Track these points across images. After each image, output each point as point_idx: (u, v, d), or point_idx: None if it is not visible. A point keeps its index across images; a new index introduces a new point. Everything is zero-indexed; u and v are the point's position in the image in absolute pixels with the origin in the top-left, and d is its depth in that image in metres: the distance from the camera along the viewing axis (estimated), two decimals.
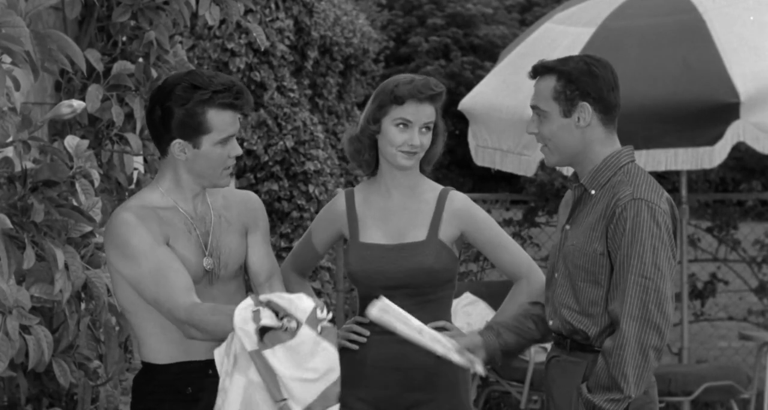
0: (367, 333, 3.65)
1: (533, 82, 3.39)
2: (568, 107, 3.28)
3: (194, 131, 3.22)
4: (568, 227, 3.36)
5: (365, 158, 3.67)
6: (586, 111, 3.28)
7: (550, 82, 3.30)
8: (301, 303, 2.99)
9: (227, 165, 3.29)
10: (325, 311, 2.99)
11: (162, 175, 3.34)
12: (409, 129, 3.58)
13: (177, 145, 3.24)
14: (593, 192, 3.30)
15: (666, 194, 3.29)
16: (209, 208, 3.36)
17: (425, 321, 3.63)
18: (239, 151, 3.29)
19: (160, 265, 3.19)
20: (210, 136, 3.23)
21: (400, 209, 3.66)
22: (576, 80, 3.27)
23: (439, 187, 3.72)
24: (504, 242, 3.70)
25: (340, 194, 3.76)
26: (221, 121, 3.23)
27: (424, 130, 3.60)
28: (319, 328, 3.00)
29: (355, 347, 3.66)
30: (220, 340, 3.11)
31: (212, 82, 3.22)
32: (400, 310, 3.36)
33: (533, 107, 3.36)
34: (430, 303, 3.63)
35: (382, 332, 3.62)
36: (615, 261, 3.21)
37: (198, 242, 3.29)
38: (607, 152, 3.31)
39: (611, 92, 3.30)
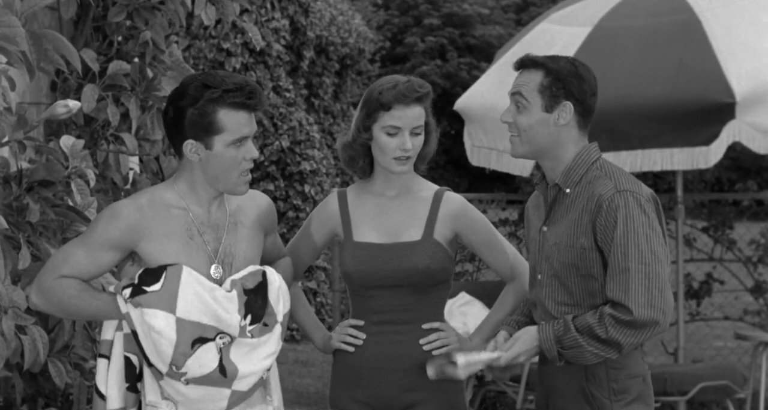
0: (363, 335, 3.64)
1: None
2: (551, 103, 3.32)
3: (205, 131, 3.18)
4: (545, 228, 3.38)
5: (360, 165, 3.67)
6: (567, 110, 3.32)
7: (537, 76, 3.34)
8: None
9: (243, 168, 3.23)
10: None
11: (179, 176, 3.29)
12: (399, 134, 3.57)
13: (189, 145, 3.20)
14: (568, 191, 3.34)
15: (643, 184, 3.35)
16: (226, 214, 3.32)
17: (419, 320, 3.62)
18: (255, 154, 3.23)
19: (87, 251, 3.19)
20: (222, 136, 3.18)
21: (395, 209, 3.66)
22: (564, 79, 3.31)
23: (434, 187, 3.71)
24: (498, 243, 3.70)
25: (332, 194, 3.74)
26: (233, 121, 3.18)
27: (414, 133, 3.59)
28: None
29: (351, 349, 3.65)
30: (62, 316, 3.26)
31: (224, 81, 3.18)
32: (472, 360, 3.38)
33: (514, 94, 3.37)
34: (424, 303, 3.62)
35: (377, 333, 3.62)
36: (609, 253, 3.24)
37: (203, 249, 3.25)
38: (576, 150, 3.36)
39: (592, 97, 3.35)
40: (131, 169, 4.36)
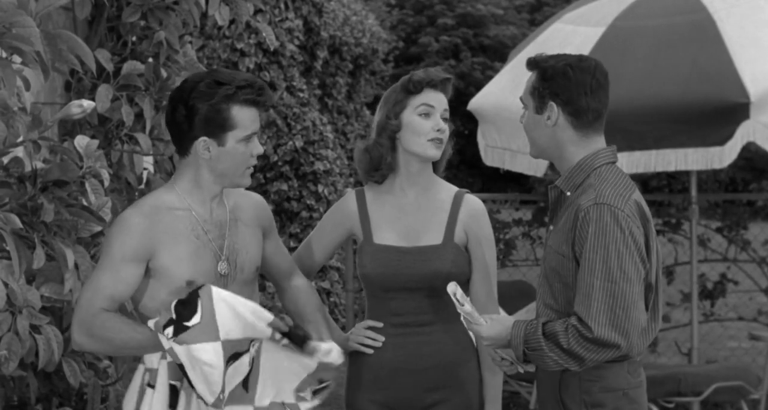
0: (382, 338, 3.62)
1: None
2: (540, 104, 3.30)
3: (219, 128, 3.20)
4: (551, 227, 3.36)
5: (387, 162, 3.62)
6: (554, 111, 3.28)
7: (532, 77, 3.34)
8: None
9: (250, 164, 3.27)
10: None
11: (180, 175, 3.31)
12: (433, 116, 3.58)
13: (202, 143, 3.22)
14: (569, 194, 3.30)
15: (634, 196, 3.23)
16: (226, 211, 3.34)
17: (438, 322, 3.61)
18: (261, 150, 3.28)
19: (113, 275, 3.18)
20: (234, 132, 3.22)
21: (414, 210, 3.64)
22: (549, 79, 3.28)
23: (454, 188, 3.69)
24: (490, 270, 3.66)
25: (350, 193, 3.71)
26: (245, 117, 3.22)
27: (444, 117, 3.61)
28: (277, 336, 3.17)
29: (370, 351, 3.63)
30: (108, 352, 3.23)
31: (235, 78, 3.22)
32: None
33: (520, 99, 3.39)
34: (443, 305, 3.60)
35: (396, 334, 3.61)
36: (580, 265, 3.16)
37: (210, 247, 3.27)
38: (583, 153, 3.29)
39: (583, 97, 3.26)
40: (145, 169, 4.37)
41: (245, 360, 3.14)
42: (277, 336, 3.17)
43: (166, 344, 3.10)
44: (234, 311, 3.11)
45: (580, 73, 3.27)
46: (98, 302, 3.17)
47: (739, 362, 8.58)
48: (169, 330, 3.08)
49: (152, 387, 3.18)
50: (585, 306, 3.11)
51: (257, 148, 3.26)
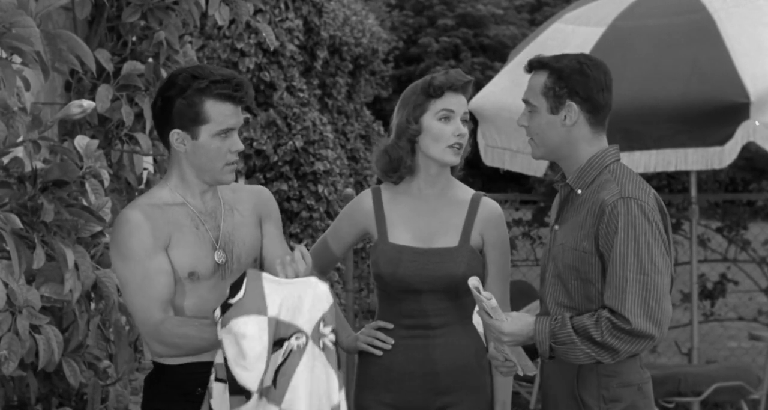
0: (392, 340, 3.60)
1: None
2: (555, 104, 3.28)
3: (192, 121, 3.22)
4: (556, 227, 3.36)
5: (407, 164, 3.60)
6: (572, 110, 3.27)
7: (542, 78, 3.30)
8: (306, 312, 2.96)
9: (228, 160, 3.27)
10: (329, 327, 2.97)
11: (169, 171, 3.34)
12: (453, 120, 3.56)
13: (176, 135, 3.25)
14: (579, 191, 3.30)
15: (653, 190, 3.28)
16: (220, 202, 3.35)
17: (450, 324, 3.59)
18: (240, 146, 3.28)
19: (148, 274, 3.20)
20: (208, 127, 3.22)
21: (431, 211, 3.62)
22: (566, 78, 3.26)
23: (471, 191, 3.67)
24: (505, 271, 3.65)
25: (366, 192, 3.69)
26: (219, 112, 3.22)
27: (464, 120, 3.59)
28: (320, 344, 2.97)
29: (379, 353, 3.61)
30: (186, 354, 3.19)
31: (212, 73, 3.23)
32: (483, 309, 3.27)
33: (524, 101, 3.36)
34: (455, 307, 3.58)
35: (408, 336, 3.59)
36: (608, 260, 3.19)
37: (207, 237, 3.29)
38: (593, 151, 3.30)
39: (601, 93, 3.28)
40: (145, 169, 4.37)
41: (282, 349, 2.95)
42: (324, 329, 2.97)
43: (220, 334, 2.98)
44: (281, 287, 2.97)
45: (595, 69, 3.29)
46: (154, 309, 3.18)
47: (739, 362, 8.59)
48: (218, 312, 2.99)
49: (222, 381, 3.02)
50: (619, 299, 3.15)
51: (236, 144, 3.26)
